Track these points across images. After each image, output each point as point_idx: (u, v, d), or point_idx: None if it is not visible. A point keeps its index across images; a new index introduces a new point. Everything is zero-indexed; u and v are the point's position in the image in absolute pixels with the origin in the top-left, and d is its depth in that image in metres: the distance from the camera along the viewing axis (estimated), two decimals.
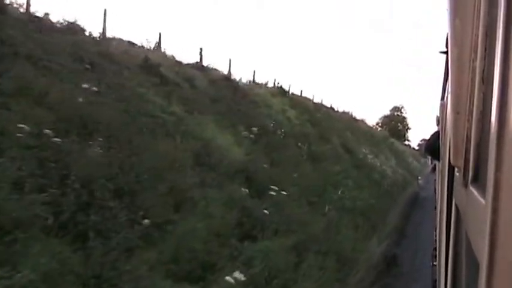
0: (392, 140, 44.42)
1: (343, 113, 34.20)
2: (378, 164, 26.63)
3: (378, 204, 16.89)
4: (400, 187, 27.31)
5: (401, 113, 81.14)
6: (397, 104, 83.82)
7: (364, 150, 24.54)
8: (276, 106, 16.85)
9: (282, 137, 13.14)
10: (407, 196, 26.05)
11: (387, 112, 79.35)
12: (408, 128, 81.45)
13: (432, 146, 4.57)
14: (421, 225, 18.12)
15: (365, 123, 39.67)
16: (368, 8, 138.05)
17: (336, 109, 31.57)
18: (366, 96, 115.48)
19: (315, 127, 18.35)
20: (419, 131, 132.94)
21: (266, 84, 20.03)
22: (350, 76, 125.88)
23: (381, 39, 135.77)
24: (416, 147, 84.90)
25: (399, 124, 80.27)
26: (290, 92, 21.85)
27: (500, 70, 0.55)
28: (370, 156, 24.86)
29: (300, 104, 20.61)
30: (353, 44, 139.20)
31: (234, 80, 16.13)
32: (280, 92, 20.44)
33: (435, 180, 11.73)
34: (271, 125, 13.50)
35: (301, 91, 24.43)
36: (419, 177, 38.07)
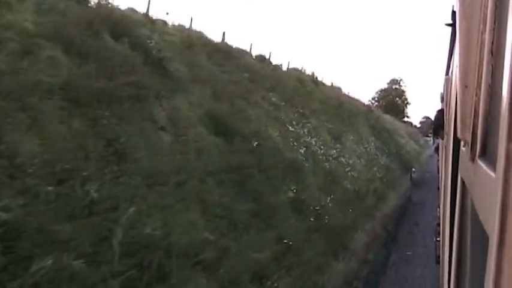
0: (378, 114, 31.50)
1: (294, 69, 21.51)
2: (334, 155, 14.09)
3: None
4: (374, 196, 14.80)
5: (399, 86, 73.08)
6: (396, 77, 73.28)
7: (293, 128, 11.89)
8: None
9: None
10: (381, 220, 13.36)
11: (385, 86, 71.05)
12: (407, 103, 73.46)
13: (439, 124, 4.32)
14: None
15: (337, 91, 26.98)
16: None
17: (271, 60, 18.64)
18: (366, 72, 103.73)
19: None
20: (422, 108, 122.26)
21: None
22: (348, 49, 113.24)
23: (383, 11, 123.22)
24: (418, 125, 74.15)
25: (397, 98, 72.05)
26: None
27: (511, 42, 0.55)
28: (307, 140, 12.24)
29: None
30: (353, 14, 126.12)
31: None
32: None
33: (438, 160, 10.18)
34: None
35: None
36: (414, 169, 25.28)
